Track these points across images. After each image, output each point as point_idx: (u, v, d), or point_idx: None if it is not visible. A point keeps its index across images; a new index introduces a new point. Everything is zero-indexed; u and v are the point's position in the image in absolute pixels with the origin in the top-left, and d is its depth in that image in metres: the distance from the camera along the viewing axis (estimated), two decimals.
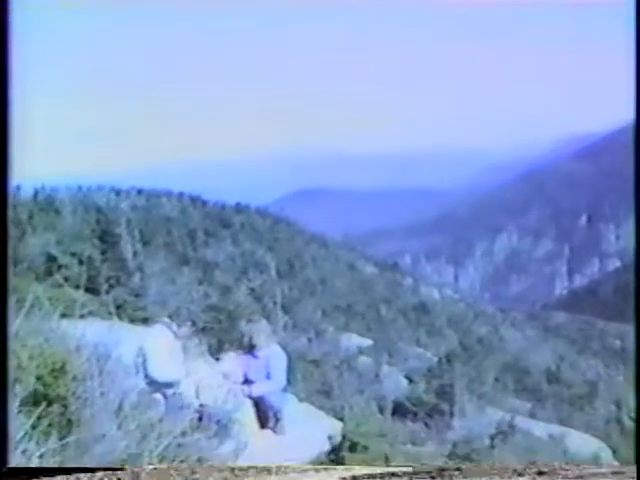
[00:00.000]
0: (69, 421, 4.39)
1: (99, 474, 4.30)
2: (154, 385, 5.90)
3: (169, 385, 6.41)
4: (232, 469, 4.87)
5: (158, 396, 6.15)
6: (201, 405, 6.20)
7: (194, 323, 7.12)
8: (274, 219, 40.73)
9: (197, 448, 4.95)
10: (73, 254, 12.46)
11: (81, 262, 12.10)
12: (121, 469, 4.34)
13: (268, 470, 4.79)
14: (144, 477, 4.38)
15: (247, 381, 7.45)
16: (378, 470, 5.18)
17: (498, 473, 4.52)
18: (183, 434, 4.91)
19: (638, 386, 4.53)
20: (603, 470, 4.59)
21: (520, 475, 4.41)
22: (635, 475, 4.20)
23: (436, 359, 16.59)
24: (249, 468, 5.02)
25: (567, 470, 4.57)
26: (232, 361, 7.49)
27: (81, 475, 4.25)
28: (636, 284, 4.61)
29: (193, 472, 4.61)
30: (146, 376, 6.16)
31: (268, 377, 7.51)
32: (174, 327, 6.92)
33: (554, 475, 4.51)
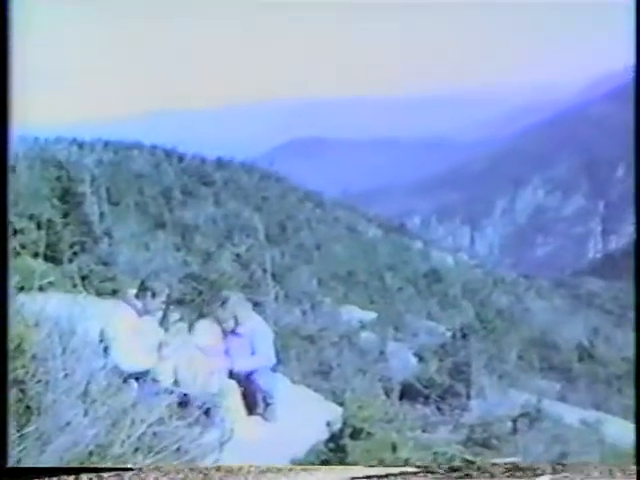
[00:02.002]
0: (28, 408, 4.40)
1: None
2: (123, 374, 5.93)
3: (140, 373, 6.45)
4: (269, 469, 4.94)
5: (130, 379, 6.19)
6: (180, 389, 6.22)
7: (170, 295, 7.13)
8: (262, 175, 40.60)
9: (176, 437, 4.96)
10: (30, 217, 12.41)
11: (39, 226, 12.06)
12: (128, 469, 4.40)
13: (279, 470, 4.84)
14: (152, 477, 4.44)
15: (230, 359, 7.52)
16: (373, 471, 5.33)
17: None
18: (159, 422, 4.92)
19: (638, 386, 5.15)
20: (603, 469, 4.97)
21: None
22: (635, 475, 4.58)
23: (450, 334, 16.63)
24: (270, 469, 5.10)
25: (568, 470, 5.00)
26: (214, 337, 7.54)
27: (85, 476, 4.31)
28: (636, 284, 5.13)
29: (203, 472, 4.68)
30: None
31: (253, 353, 7.59)
32: (147, 300, 6.93)
33: (554, 474, 4.96)
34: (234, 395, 7.26)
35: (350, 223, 40.33)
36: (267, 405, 7.79)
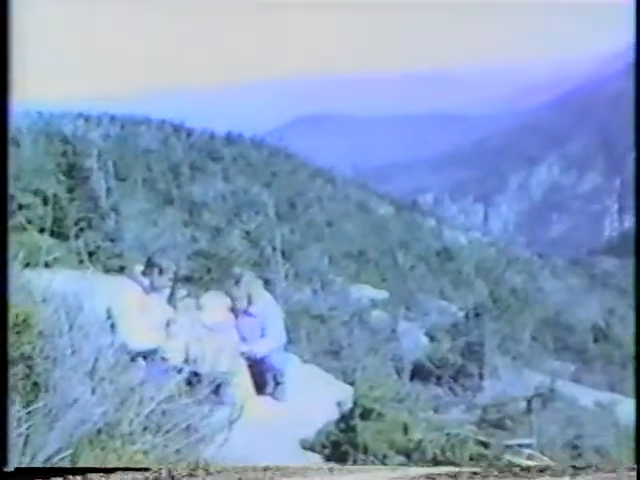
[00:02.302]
0: (35, 384, 4.41)
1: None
2: (131, 351, 5.94)
3: (148, 351, 6.47)
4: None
5: (138, 357, 6.21)
6: (189, 366, 6.23)
7: (177, 272, 7.14)
8: (272, 151, 40.53)
9: (185, 416, 4.98)
10: (35, 192, 12.45)
11: (45, 202, 12.09)
12: (142, 469, 4.42)
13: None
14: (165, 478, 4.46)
15: (241, 339, 7.53)
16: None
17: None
18: (168, 399, 4.94)
19: (638, 386, 5.29)
20: (603, 469, 5.06)
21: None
22: (635, 475, 4.65)
23: (462, 313, 16.64)
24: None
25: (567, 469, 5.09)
26: (222, 314, 7.55)
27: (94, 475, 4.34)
28: (636, 284, 5.26)
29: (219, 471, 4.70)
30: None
31: (263, 334, 7.60)
32: (154, 276, 6.93)
33: (553, 473, 5.05)
34: (244, 373, 7.28)
35: (361, 200, 40.26)
36: (277, 384, 7.81)
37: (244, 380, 7.23)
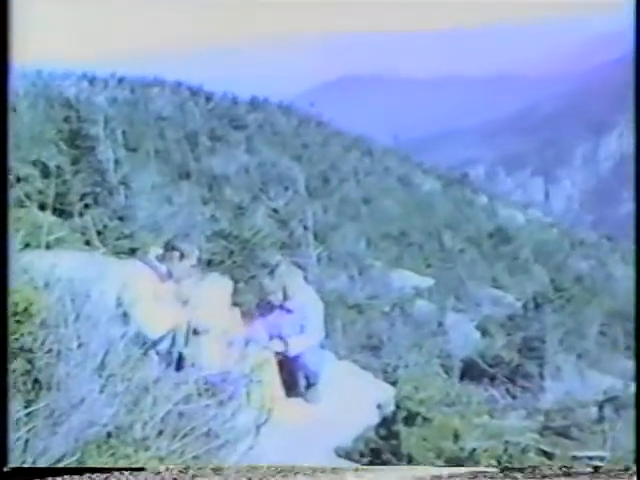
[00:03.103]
0: (36, 381, 4.43)
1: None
2: (145, 344, 5.96)
3: (161, 342, 6.48)
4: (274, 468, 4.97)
5: (152, 353, 6.22)
6: (209, 363, 6.25)
7: (199, 258, 7.16)
8: (302, 118, 40.47)
9: (205, 418, 4.98)
10: (34, 163, 12.51)
11: (46, 174, 12.15)
12: (139, 469, 4.44)
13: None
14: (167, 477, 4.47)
15: (272, 336, 7.52)
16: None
17: None
18: (186, 400, 4.94)
19: (638, 386, 5.86)
20: (603, 469, 5.56)
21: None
22: (635, 475, 5.10)
23: (520, 304, 16.50)
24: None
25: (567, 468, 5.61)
26: (250, 306, 7.57)
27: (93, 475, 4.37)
28: (636, 284, 5.74)
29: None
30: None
31: (301, 332, 7.58)
32: (173, 263, 6.93)
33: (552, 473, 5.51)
34: (272, 372, 7.28)
35: (403, 174, 40.11)
36: (310, 385, 7.80)
37: (273, 379, 7.23)
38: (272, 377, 7.27)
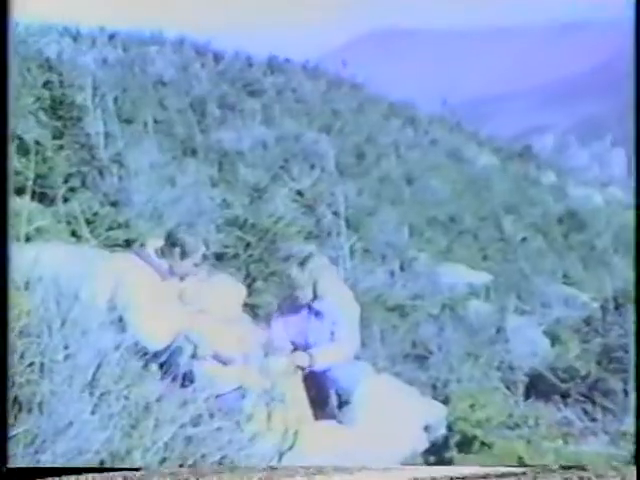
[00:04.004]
0: (15, 402, 4.46)
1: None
2: (145, 356, 5.96)
3: (164, 353, 6.47)
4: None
5: (153, 366, 6.22)
6: (222, 378, 6.26)
7: (206, 255, 7.15)
8: (331, 81, 40.44)
9: (217, 444, 5.00)
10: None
11: (23, 150, 12.20)
12: (136, 469, 4.48)
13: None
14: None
15: (297, 345, 7.52)
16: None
17: None
18: (195, 422, 4.96)
19: (638, 385, 6.72)
20: (602, 469, 5.92)
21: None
22: (635, 475, 5.57)
23: (597, 304, 16.41)
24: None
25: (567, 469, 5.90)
26: (269, 309, 7.57)
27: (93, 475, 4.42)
28: (636, 283, 6.53)
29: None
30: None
31: (331, 339, 7.57)
32: (175, 259, 6.95)
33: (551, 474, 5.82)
34: (297, 388, 7.29)
35: (454, 147, 39.96)
36: (343, 404, 7.81)
37: (298, 398, 7.24)
38: (298, 394, 7.28)
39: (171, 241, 7.01)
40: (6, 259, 4.68)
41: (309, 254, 7.73)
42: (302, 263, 7.57)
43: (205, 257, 7.15)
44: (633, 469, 5.77)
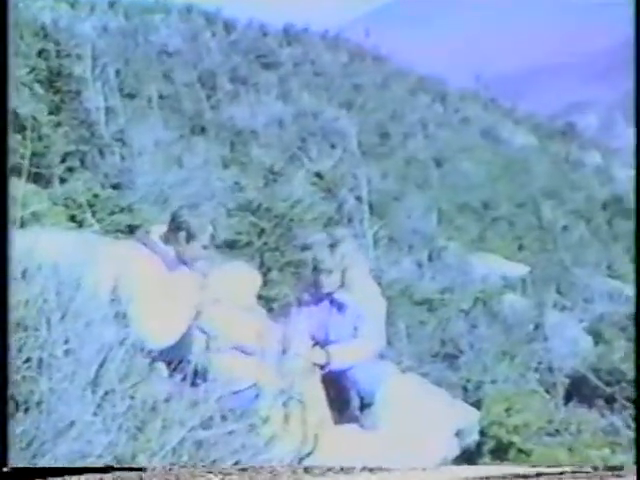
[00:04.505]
0: (11, 400, 4.48)
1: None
2: (151, 353, 5.96)
3: (172, 350, 6.47)
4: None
5: (161, 363, 6.23)
6: (235, 377, 6.27)
7: (214, 236, 7.13)
8: (353, 52, 40.37)
9: (230, 449, 5.01)
10: None
11: (17, 127, 12.20)
12: (138, 469, 4.51)
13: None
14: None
15: (316, 340, 7.52)
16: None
17: None
18: (206, 424, 4.97)
19: (638, 385, 6.77)
20: (602, 470, 6.20)
21: None
22: (635, 475, 5.76)
23: None
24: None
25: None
26: (285, 304, 7.56)
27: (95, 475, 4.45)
28: (636, 283, 6.87)
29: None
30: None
31: (355, 335, 7.55)
32: (181, 244, 6.95)
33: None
34: (317, 388, 7.30)
35: (488, 126, 39.86)
36: (365, 407, 7.81)
37: (318, 399, 7.26)
38: (316, 396, 7.29)
39: (175, 224, 6.99)
40: (6, 246, 4.70)
41: (341, 237, 7.67)
42: (333, 245, 7.52)
43: (213, 238, 7.10)
44: (633, 469, 5.88)
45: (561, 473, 6.28)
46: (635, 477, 5.76)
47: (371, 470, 5.98)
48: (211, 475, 4.96)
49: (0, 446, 4.45)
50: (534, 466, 6.50)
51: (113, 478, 4.81)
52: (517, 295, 17.10)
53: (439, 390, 9.88)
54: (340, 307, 7.52)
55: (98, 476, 4.80)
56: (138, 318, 6.19)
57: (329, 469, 5.76)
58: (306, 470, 5.36)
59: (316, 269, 7.54)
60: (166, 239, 6.97)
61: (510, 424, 6.92)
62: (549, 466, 6.47)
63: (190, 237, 6.93)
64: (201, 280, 7.12)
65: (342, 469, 5.93)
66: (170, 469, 4.80)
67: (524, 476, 6.18)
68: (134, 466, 4.67)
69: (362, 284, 7.62)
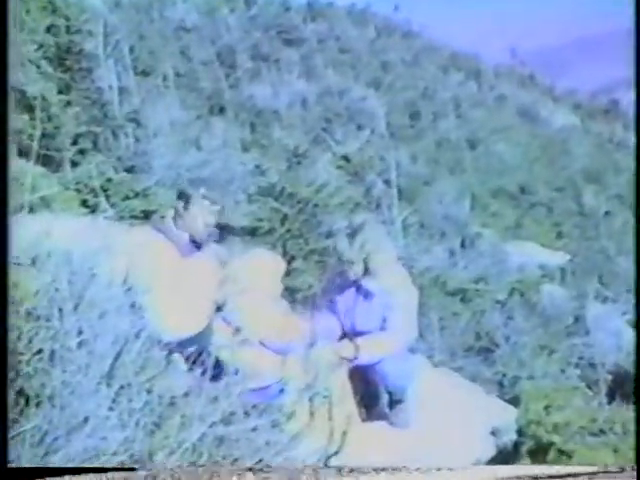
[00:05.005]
0: (21, 394, 4.50)
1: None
2: (166, 344, 5.98)
3: (191, 342, 6.49)
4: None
5: (176, 355, 6.24)
6: (258, 370, 6.30)
7: (231, 229, 7.15)
8: (381, 27, 40.30)
9: (253, 446, 5.03)
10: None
11: (25, 107, 12.25)
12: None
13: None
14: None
15: (344, 335, 7.51)
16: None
17: None
18: (227, 420, 4.99)
19: (638, 385, 7.12)
20: (602, 470, 6.28)
21: None
22: (635, 475, 5.96)
23: None
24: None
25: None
26: (310, 294, 7.57)
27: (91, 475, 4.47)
28: (636, 282, 6.78)
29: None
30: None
31: (383, 327, 7.51)
32: (196, 228, 6.96)
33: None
34: (344, 383, 7.32)
35: (525, 104, 39.72)
36: (395, 403, 7.82)
37: (345, 394, 7.27)
38: (344, 391, 7.31)
39: (187, 208, 7.01)
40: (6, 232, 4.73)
41: (363, 222, 7.59)
42: (353, 235, 7.44)
43: (220, 214, 7.11)
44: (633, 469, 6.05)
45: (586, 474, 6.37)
46: (635, 477, 5.90)
47: (394, 470, 6.00)
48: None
49: (0, 446, 4.45)
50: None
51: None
52: (556, 285, 17.07)
53: (473, 386, 9.89)
54: (367, 295, 7.45)
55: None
56: (153, 309, 6.20)
57: (351, 470, 5.79)
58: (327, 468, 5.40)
59: (339, 256, 7.51)
60: (175, 219, 7.00)
61: (550, 423, 6.90)
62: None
63: (193, 209, 6.95)
64: (220, 268, 7.14)
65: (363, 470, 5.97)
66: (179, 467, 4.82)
67: (555, 476, 6.26)
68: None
69: (390, 271, 7.55)
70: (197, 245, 7.01)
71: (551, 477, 6.34)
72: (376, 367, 7.52)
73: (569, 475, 6.29)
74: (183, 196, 7.05)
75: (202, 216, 6.97)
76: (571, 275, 18.20)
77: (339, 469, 5.70)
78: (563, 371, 11.58)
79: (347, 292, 7.56)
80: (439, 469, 6.26)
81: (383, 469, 5.81)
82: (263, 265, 7.38)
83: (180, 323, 6.48)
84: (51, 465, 4.44)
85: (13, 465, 4.42)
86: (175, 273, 6.75)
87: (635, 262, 6.01)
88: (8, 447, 4.40)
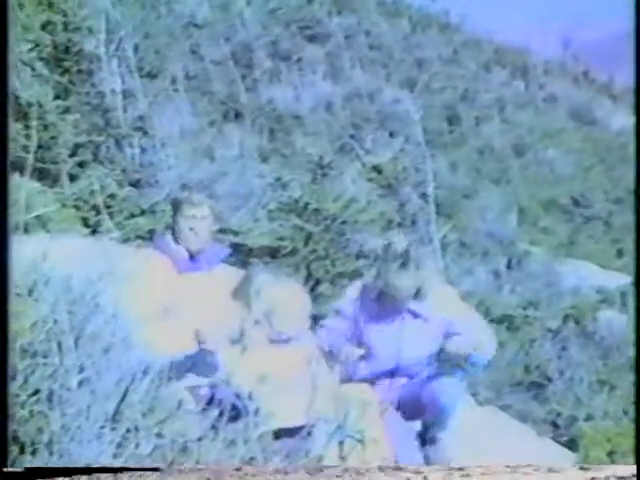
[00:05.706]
0: (16, 440, 4.52)
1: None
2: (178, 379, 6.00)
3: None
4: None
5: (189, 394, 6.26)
6: (282, 410, 6.31)
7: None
8: (416, 19, 40.33)
9: None
10: None
11: (19, 115, 12.30)
12: (153, 469, 4.56)
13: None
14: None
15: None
16: None
17: None
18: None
19: (638, 385, 7.02)
20: (602, 470, 6.15)
21: None
22: (635, 475, 5.90)
23: None
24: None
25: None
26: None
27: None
28: (636, 281, 7.10)
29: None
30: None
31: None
32: (213, 249, 6.99)
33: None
34: (377, 423, 7.31)
35: (578, 104, 39.69)
36: (431, 442, 7.82)
37: (379, 435, 7.26)
38: (378, 431, 7.29)
39: (178, 209, 7.04)
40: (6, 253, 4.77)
41: (407, 247, 7.54)
42: (404, 263, 7.37)
43: (217, 219, 7.14)
44: (633, 469, 6.02)
45: None
46: (635, 477, 5.89)
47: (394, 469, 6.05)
48: None
49: (0, 446, 4.48)
50: None
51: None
52: (616, 311, 16.99)
53: (523, 426, 9.86)
54: (426, 322, 7.50)
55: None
56: (143, 338, 6.21)
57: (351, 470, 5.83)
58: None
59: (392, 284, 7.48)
60: (172, 230, 7.04)
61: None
62: None
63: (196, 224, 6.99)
64: (227, 291, 7.15)
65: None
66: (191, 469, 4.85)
67: None
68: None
69: (442, 298, 7.61)
70: (197, 260, 7.04)
71: None
72: (415, 402, 7.57)
73: None
74: (175, 204, 7.09)
75: (194, 224, 7.01)
76: (632, 299, 18.13)
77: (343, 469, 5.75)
78: (626, 411, 11.51)
79: (403, 317, 7.56)
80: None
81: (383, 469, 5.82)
82: (286, 298, 7.36)
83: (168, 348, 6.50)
84: None
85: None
86: (173, 293, 6.79)
87: (635, 262, 6.13)
88: (8, 447, 4.44)
